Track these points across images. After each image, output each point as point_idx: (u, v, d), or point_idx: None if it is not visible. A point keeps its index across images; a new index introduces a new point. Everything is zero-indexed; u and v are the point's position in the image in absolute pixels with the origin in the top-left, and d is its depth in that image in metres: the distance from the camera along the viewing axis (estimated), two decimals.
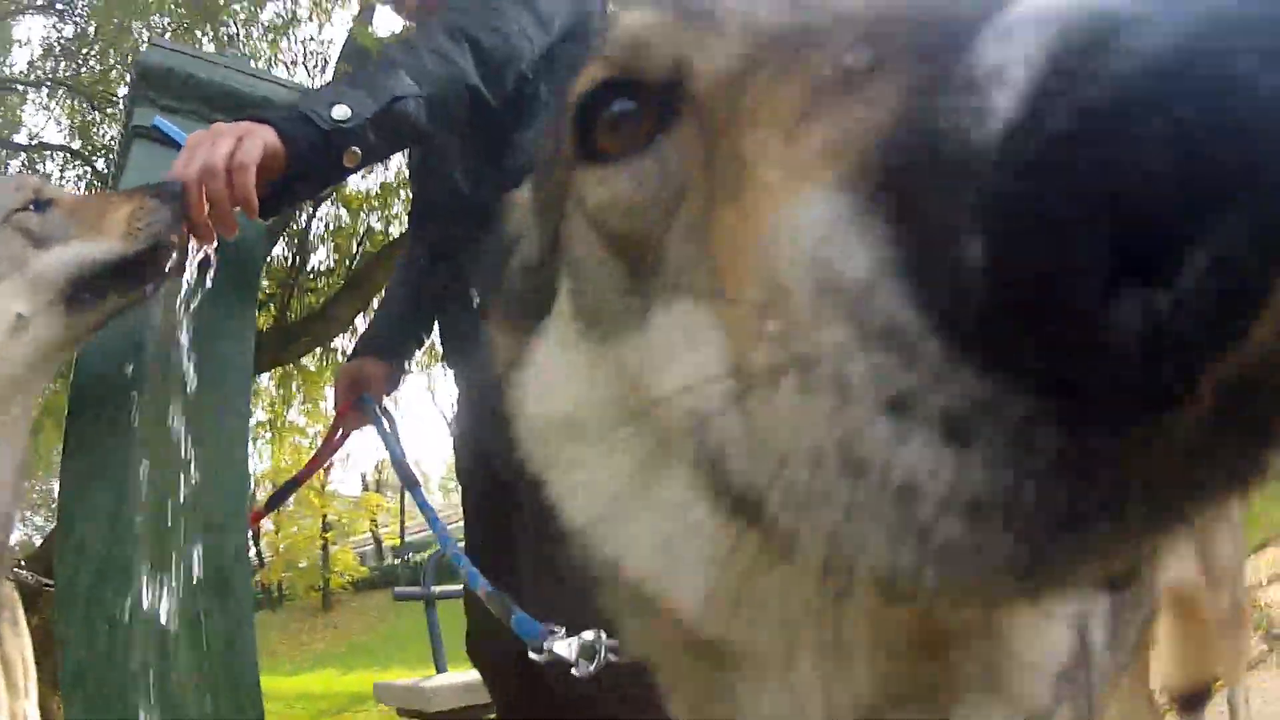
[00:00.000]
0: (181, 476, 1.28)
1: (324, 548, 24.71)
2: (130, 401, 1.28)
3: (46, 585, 1.88)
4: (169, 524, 1.24)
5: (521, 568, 1.58)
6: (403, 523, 25.18)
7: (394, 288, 2.16)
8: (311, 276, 8.05)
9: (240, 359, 1.45)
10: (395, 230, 8.26)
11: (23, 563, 1.94)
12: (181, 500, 1.27)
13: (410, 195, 2.28)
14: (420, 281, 2.02)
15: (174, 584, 1.22)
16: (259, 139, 1.24)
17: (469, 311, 1.82)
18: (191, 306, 1.30)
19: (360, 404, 1.87)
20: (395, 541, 27.67)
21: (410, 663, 12.01)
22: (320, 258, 8.76)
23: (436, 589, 5.91)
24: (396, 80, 1.42)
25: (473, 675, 4.65)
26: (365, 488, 28.31)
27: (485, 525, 1.63)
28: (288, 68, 8.55)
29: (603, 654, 1.02)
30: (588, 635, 1.03)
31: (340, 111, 1.32)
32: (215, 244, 1.30)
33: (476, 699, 4.63)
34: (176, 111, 1.53)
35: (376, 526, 28.88)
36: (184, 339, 1.26)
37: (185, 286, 1.31)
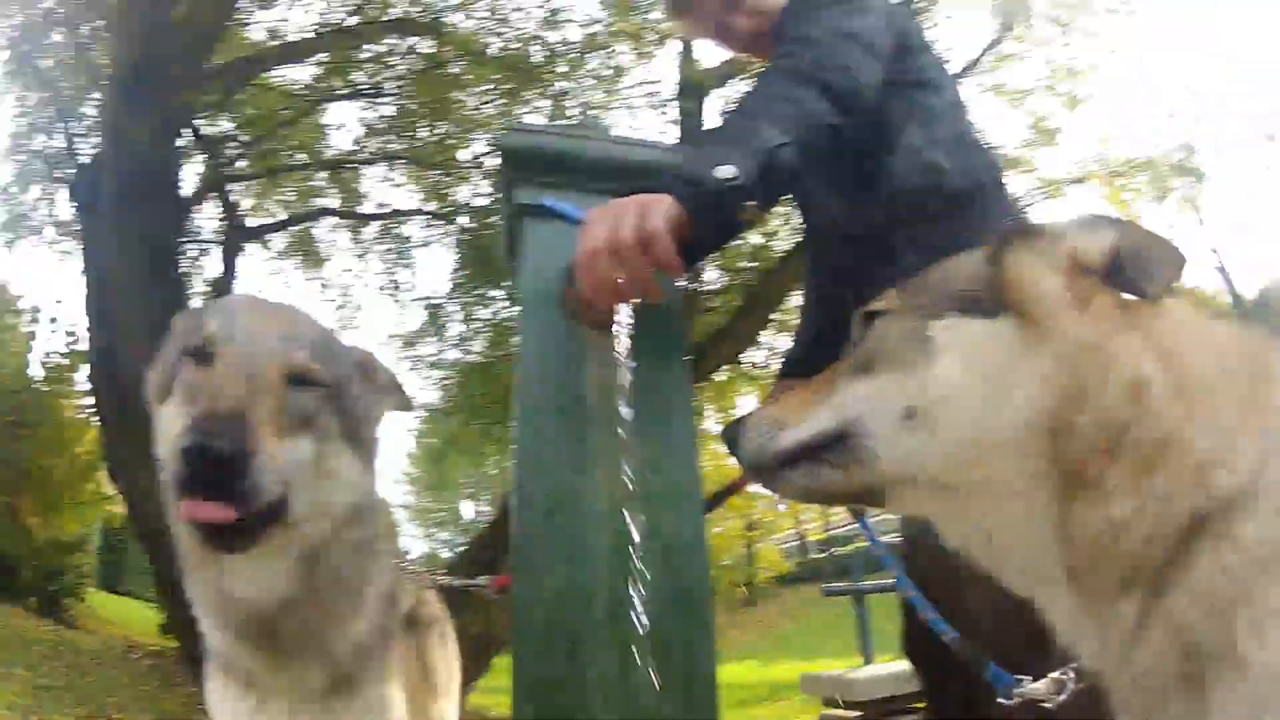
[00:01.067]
0: (638, 507, 1.36)
1: (748, 545, 25.80)
2: (576, 446, 1.41)
3: (470, 586, 2.05)
4: (630, 551, 1.32)
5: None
6: (826, 518, 25.44)
7: (806, 309, 2.26)
8: (707, 297, 8.48)
9: (680, 398, 1.53)
10: (779, 245, 8.45)
11: (442, 571, 2.18)
12: (640, 529, 1.34)
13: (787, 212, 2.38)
14: (826, 300, 2.11)
15: (634, 601, 1.29)
16: (662, 208, 1.31)
17: None
18: (622, 358, 1.37)
19: None
20: (819, 536, 28.02)
21: (833, 655, 12.08)
22: (713, 277, 9.25)
23: (867, 583, 5.93)
24: (767, 132, 1.46)
25: (900, 666, 4.61)
26: None
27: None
28: (629, 111, 9.03)
29: (1070, 687, 1.21)
30: (1056, 675, 1.22)
31: (726, 171, 1.37)
32: (633, 304, 1.38)
33: (903, 689, 4.58)
34: (557, 187, 1.60)
35: (800, 523, 29.59)
36: (622, 388, 1.34)
37: (618, 347, 1.37)
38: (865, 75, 1.65)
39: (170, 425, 1.23)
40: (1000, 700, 1.26)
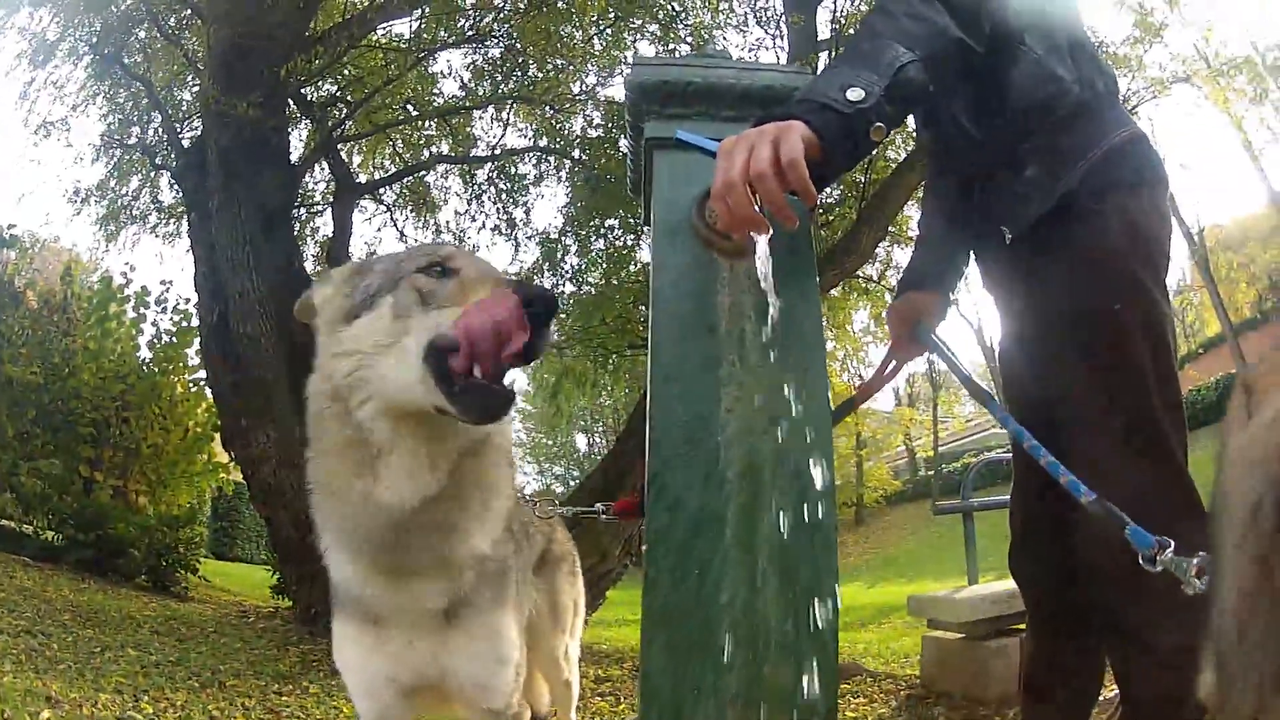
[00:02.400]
0: (770, 433, 1.41)
1: (858, 464, 25.72)
2: (710, 374, 1.44)
3: (586, 513, 2.12)
4: (760, 475, 1.38)
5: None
6: (936, 435, 25.14)
7: (928, 222, 2.22)
8: (823, 211, 8.30)
9: (811, 323, 1.53)
10: (893, 154, 8.15)
11: (555, 502, 2.18)
12: (770, 454, 1.40)
13: (919, 131, 2.30)
14: (951, 215, 2.07)
15: (766, 524, 1.37)
16: (796, 135, 1.32)
17: (1001, 244, 1.88)
18: (762, 285, 1.39)
19: (916, 333, 2.01)
20: (929, 454, 27.71)
21: (941, 575, 12.04)
22: (826, 191, 9.00)
23: (975, 500, 5.85)
24: (893, 51, 1.46)
25: (1005, 586, 4.58)
26: (898, 403, 28.74)
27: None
28: (740, 30, 8.71)
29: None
30: (1204, 555, 1.12)
31: (855, 94, 1.39)
32: (770, 233, 1.38)
33: (1008, 609, 4.55)
34: (685, 117, 1.63)
35: (910, 440, 29.27)
36: (754, 315, 1.39)
37: (755, 271, 1.40)
38: None
39: (395, 328, 1.33)
40: (1143, 565, 1.23)
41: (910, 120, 2.49)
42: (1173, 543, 1.21)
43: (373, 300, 1.37)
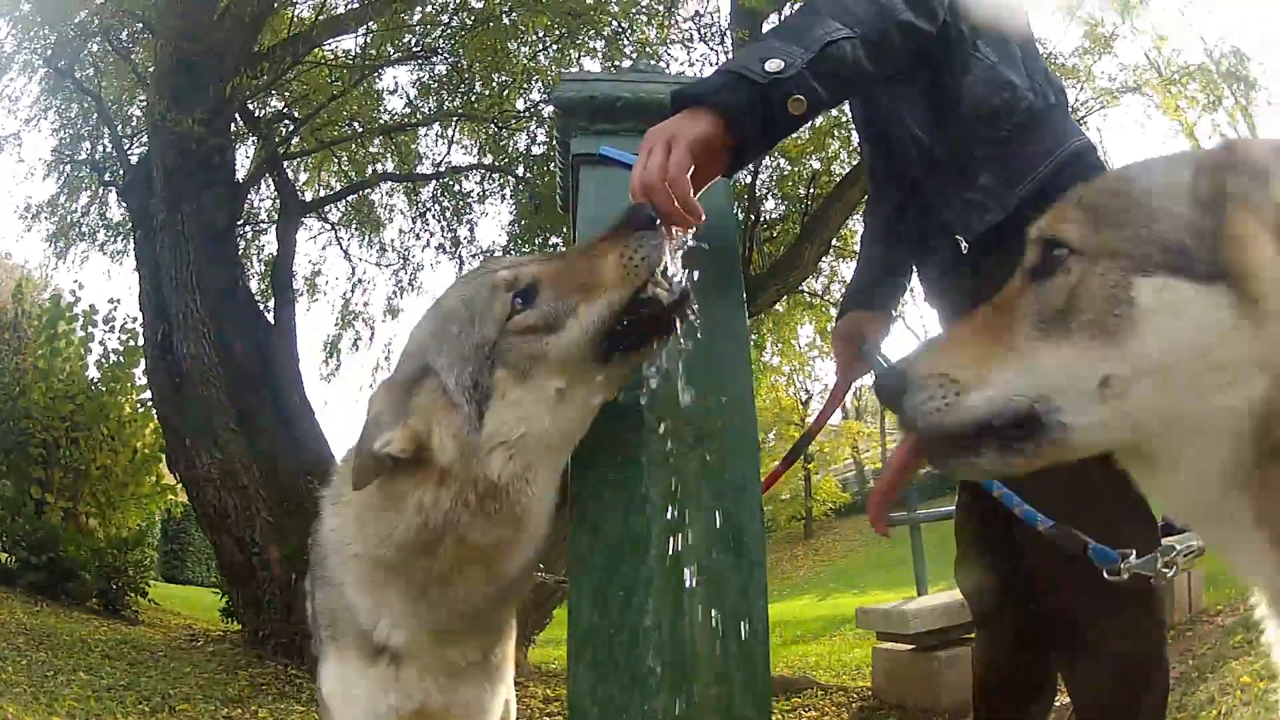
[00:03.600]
0: (695, 453, 1.38)
1: (806, 478, 25.90)
2: (634, 388, 1.39)
3: (561, 583, 2.07)
4: (684, 495, 1.35)
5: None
6: (884, 447, 25.42)
7: (869, 240, 2.22)
8: (767, 227, 8.38)
9: (737, 340, 1.52)
10: (838, 169, 8.27)
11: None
12: (695, 474, 1.37)
13: (857, 135, 2.29)
14: (891, 234, 2.07)
15: (690, 545, 1.33)
16: (684, 140, 1.29)
17: (951, 254, 1.87)
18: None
19: (861, 354, 2.01)
20: (877, 465, 28.06)
21: (891, 585, 12.16)
22: (770, 207, 9.11)
23: (922, 512, 5.94)
24: (824, 25, 1.41)
25: (954, 596, 4.64)
26: (845, 416, 29.03)
27: None
28: (685, 46, 8.82)
29: (1181, 562, 1.27)
30: (1169, 543, 1.25)
31: (774, 65, 1.34)
32: (680, 242, 1.36)
33: (958, 619, 4.62)
34: (614, 133, 1.60)
35: (858, 453, 29.56)
36: (679, 333, 1.32)
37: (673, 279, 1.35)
38: None
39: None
40: (1108, 578, 1.27)
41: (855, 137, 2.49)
42: (1134, 550, 1.25)
43: (481, 390, 1.27)
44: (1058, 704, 2.34)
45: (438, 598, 1.34)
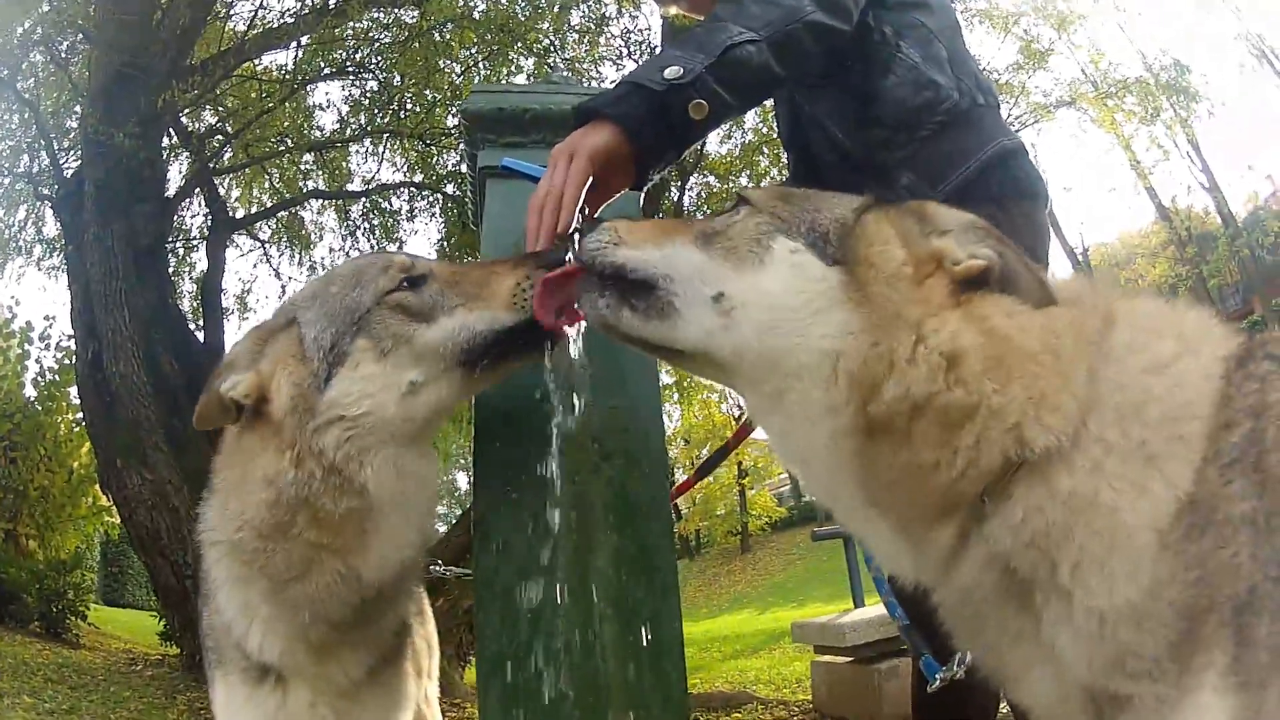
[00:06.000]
0: (600, 472, 1.35)
1: (741, 493, 26.04)
2: (538, 407, 1.36)
3: (465, 576, 1.98)
4: (591, 516, 1.32)
5: None
6: None
7: None
8: None
9: (642, 358, 1.45)
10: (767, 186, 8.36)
11: (438, 562, 2.08)
12: (600, 493, 1.34)
13: (785, 154, 2.28)
14: None
15: (598, 567, 1.30)
16: (584, 152, 1.29)
17: None
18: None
19: None
20: None
21: (829, 598, 12.25)
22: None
23: None
24: (726, 31, 1.41)
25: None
26: None
27: None
28: (614, 64, 8.89)
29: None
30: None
31: (672, 72, 1.34)
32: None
33: (893, 632, 4.65)
34: (523, 145, 1.58)
35: None
36: (580, 341, 1.31)
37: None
38: None
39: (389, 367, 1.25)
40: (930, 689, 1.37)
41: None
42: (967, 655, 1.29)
43: (337, 352, 1.25)
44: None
45: (298, 596, 1.27)
